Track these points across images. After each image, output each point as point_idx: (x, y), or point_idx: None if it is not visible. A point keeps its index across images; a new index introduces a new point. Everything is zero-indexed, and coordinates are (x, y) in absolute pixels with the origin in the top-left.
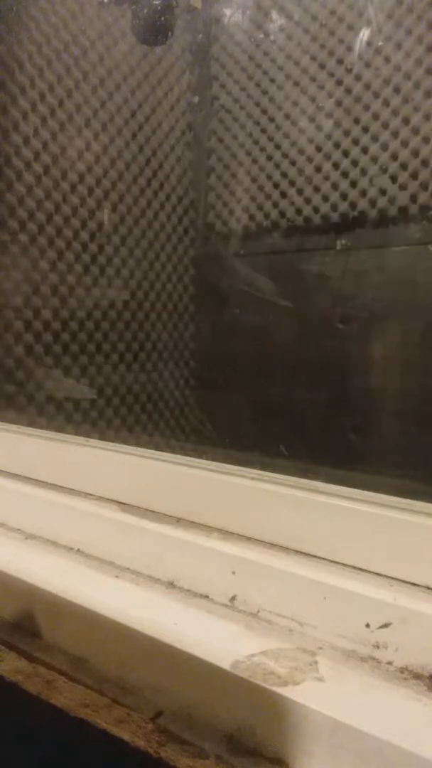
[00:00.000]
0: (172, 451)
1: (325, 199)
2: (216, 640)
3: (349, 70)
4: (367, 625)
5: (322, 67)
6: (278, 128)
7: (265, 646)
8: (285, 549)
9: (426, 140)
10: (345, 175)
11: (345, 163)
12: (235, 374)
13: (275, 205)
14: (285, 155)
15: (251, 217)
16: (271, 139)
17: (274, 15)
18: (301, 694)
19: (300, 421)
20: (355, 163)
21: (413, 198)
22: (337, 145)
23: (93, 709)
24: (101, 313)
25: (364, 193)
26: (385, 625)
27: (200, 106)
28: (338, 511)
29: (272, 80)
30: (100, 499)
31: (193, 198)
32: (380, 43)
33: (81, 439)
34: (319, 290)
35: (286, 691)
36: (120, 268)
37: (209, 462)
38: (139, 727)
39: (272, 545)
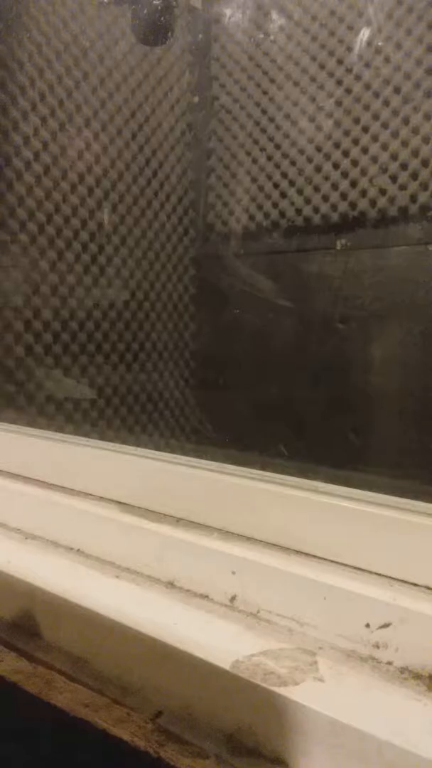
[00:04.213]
0: (172, 451)
1: (325, 199)
2: (216, 640)
3: (349, 70)
4: (367, 625)
5: (322, 67)
6: (278, 128)
7: (265, 646)
8: (285, 549)
9: (426, 140)
10: (345, 175)
11: (345, 163)
12: (235, 374)
13: (275, 205)
14: (285, 155)
15: (251, 217)
16: (271, 139)
17: (274, 15)
18: (301, 694)
19: (300, 421)
20: (355, 163)
21: (413, 198)
22: (337, 145)
23: (93, 709)
24: (101, 313)
25: (364, 193)
26: (385, 625)
27: (200, 106)
28: (338, 511)
29: (272, 80)
30: (100, 499)
31: (193, 198)
32: (380, 43)
33: (81, 439)
34: (319, 290)
35: (286, 691)
36: (120, 268)
37: (209, 462)
38: (139, 727)
39: (272, 545)
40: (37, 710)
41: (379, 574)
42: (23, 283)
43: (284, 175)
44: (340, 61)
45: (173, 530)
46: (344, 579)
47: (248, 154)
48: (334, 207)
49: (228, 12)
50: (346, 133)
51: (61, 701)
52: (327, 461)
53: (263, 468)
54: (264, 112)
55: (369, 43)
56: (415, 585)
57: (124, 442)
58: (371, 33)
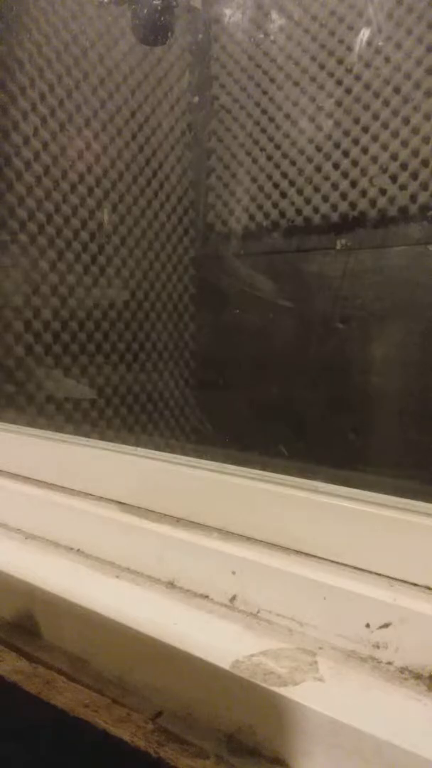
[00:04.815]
0: (172, 451)
1: (325, 199)
2: (216, 640)
3: (349, 70)
4: (367, 625)
5: (322, 67)
6: (278, 128)
7: (265, 646)
8: (285, 549)
9: (426, 140)
10: (345, 175)
11: (345, 163)
12: (235, 374)
13: (275, 205)
14: (285, 155)
15: (251, 217)
16: (271, 139)
17: (274, 15)
18: (301, 694)
19: (300, 421)
20: (355, 163)
21: (413, 198)
22: (337, 145)
23: (93, 709)
24: (101, 313)
25: (364, 193)
26: (385, 625)
27: (200, 106)
28: (338, 511)
29: (272, 80)
30: (100, 499)
31: (193, 198)
32: (380, 43)
33: (81, 439)
34: (319, 290)
35: (286, 691)
36: (120, 268)
37: (209, 462)
38: (139, 727)
39: (272, 545)
40: (37, 710)
41: (379, 574)
42: (23, 283)
43: (284, 175)
44: (340, 61)
45: (173, 530)
46: (344, 579)
47: (248, 154)
48: (334, 207)
49: (228, 12)
50: (346, 133)
51: (61, 701)
52: (327, 461)
53: (263, 468)
54: (264, 112)
55: (369, 43)
56: (415, 585)
57: (124, 442)
58: (371, 33)
